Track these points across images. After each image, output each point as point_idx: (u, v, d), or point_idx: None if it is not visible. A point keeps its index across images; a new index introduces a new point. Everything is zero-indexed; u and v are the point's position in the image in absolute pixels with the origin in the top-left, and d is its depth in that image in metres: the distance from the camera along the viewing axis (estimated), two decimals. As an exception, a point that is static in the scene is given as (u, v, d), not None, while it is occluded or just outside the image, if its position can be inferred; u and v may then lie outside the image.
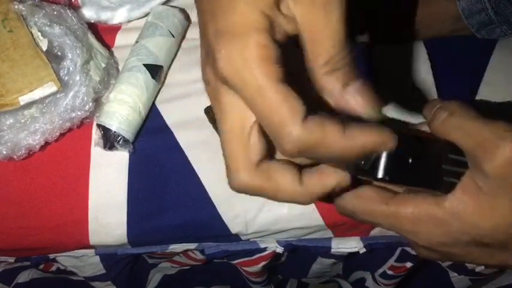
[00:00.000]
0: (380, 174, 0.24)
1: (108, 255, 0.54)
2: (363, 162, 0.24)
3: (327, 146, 0.22)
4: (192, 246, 0.54)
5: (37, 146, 0.44)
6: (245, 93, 0.22)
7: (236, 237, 0.50)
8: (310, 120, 0.22)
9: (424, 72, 0.55)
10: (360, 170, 0.24)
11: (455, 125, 0.26)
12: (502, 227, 0.27)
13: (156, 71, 0.49)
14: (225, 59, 0.22)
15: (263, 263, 0.58)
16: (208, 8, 0.23)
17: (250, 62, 0.22)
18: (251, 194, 0.25)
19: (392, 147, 0.23)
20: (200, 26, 0.24)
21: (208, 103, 0.55)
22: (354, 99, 0.24)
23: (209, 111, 0.48)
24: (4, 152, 0.43)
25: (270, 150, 0.25)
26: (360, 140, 0.23)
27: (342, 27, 0.23)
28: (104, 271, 0.58)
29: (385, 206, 0.28)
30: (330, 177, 0.24)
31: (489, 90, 0.55)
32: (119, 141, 0.47)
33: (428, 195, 0.27)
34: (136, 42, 0.51)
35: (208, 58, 0.23)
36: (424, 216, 0.27)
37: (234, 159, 0.24)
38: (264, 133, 0.24)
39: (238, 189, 0.25)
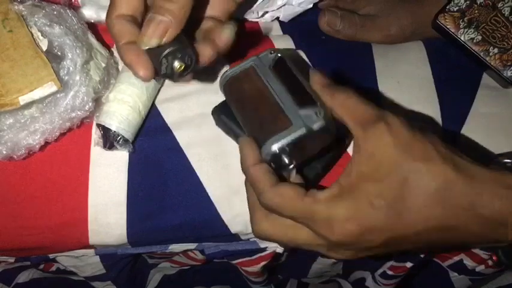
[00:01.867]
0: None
1: (108, 255, 0.54)
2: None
3: None
4: (192, 246, 0.54)
5: (37, 146, 0.44)
6: None
7: (236, 237, 0.50)
8: None
9: (424, 72, 0.55)
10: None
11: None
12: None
13: (155, 71, 0.49)
14: None
15: (263, 263, 0.58)
16: None
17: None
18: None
19: None
20: None
21: (208, 102, 0.55)
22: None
23: (215, 113, 0.48)
24: (4, 152, 0.43)
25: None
26: None
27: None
28: (104, 271, 0.58)
29: (301, 202, 0.33)
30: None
31: (489, 91, 0.55)
32: (118, 141, 0.47)
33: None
34: (136, 42, 0.51)
35: None
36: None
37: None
38: None
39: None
